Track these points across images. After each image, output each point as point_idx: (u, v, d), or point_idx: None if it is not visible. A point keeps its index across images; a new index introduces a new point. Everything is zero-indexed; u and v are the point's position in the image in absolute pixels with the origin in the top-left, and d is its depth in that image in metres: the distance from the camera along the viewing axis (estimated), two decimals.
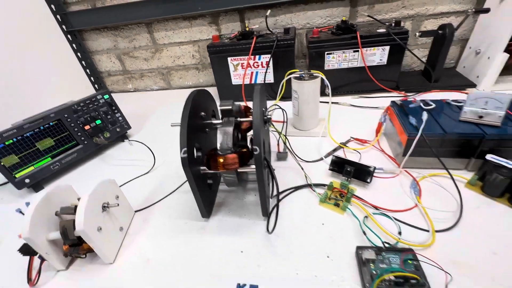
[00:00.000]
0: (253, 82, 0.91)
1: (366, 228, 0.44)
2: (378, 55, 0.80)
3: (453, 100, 0.60)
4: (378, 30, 0.78)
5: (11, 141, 0.61)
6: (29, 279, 0.44)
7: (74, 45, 1.11)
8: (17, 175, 0.62)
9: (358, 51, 0.80)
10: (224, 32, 1.03)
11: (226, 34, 0.98)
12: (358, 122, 0.74)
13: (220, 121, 0.49)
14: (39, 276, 0.45)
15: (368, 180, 0.53)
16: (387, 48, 0.78)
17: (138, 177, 0.67)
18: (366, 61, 0.81)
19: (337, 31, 0.81)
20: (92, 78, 1.20)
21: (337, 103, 0.85)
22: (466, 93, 0.73)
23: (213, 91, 1.04)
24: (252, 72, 0.89)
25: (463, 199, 0.47)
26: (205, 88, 0.53)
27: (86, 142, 0.74)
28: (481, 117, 0.50)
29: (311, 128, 0.72)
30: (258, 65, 0.87)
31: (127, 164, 0.73)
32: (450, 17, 0.87)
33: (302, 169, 0.58)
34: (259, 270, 0.42)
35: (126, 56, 1.17)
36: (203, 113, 0.49)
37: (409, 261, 0.37)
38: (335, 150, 0.65)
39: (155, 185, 0.63)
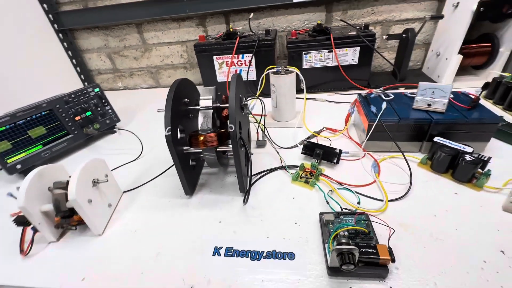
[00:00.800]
0: None
1: (329, 199, 0.50)
2: (350, 55, 0.88)
3: (410, 93, 0.68)
4: (349, 33, 0.87)
5: (3, 128, 0.64)
6: (21, 250, 0.48)
7: (65, 44, 1.14)
8: (8, 161, 0.66)
9: (332, 51, 0.88)
10: (210, 34, 1.09)
11: (212, 34, 1.04)
12: (332, 115, 0.81)
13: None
14: (31, 247, 0.48)
15: (335, 161, 0.59)
16: (358, 49, 0.87)
17: (127, 163, 0.71)
18: (340, 60, 0.89)
19: (313, 33, 0.89)
20: (82, 76, 1.24)
21: (314, 99, 0.92)
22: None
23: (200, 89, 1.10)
24: (236, 70, 0.96)
25: (413, 175, 0.54)
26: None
27: (76, 132, 0.78)
28: (429, 105, 0.58)
29: (288, 120, 0.79)
30: (241, 64, 0.94)
31: (116, 153, 0.77)
32: (414, 23, 0.97)
33: (278, 153, 0.64)
34: (235, 235, 0.47)
35: (116, 55, 1.22)
36: (186, 100, 0.55)
37: (362, 221, 0.44)
38: (309, 138, 0.71)
39: (143, 170, 0.68)
